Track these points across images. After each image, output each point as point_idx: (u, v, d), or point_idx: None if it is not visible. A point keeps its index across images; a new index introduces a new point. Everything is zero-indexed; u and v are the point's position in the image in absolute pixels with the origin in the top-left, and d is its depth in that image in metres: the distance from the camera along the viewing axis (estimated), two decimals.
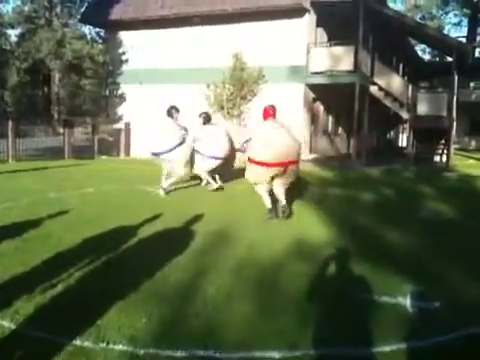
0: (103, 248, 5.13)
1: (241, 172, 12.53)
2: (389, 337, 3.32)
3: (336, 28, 18.21)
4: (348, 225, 6.82)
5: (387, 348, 3.19)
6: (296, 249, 5.45)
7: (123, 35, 21.08)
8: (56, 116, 32.93)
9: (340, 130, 22.51)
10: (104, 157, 18.52)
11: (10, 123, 15.53)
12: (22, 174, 11.91)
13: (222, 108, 18.62)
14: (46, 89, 35.34)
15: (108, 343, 3.14)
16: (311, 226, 6.61)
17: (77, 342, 3.14)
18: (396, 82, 17.93)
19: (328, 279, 4.62)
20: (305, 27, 17.63)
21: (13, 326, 3.35)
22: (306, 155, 17.57)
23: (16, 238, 5.59)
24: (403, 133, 31.24)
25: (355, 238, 6.06)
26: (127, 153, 20.00)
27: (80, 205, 7.67)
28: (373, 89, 17.58)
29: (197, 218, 6.83)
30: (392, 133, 32.50)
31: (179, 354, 3.05)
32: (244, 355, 3.08)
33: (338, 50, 17.64)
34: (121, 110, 21.25)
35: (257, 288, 4.21)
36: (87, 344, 3.13)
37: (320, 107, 19.88)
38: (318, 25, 18.17)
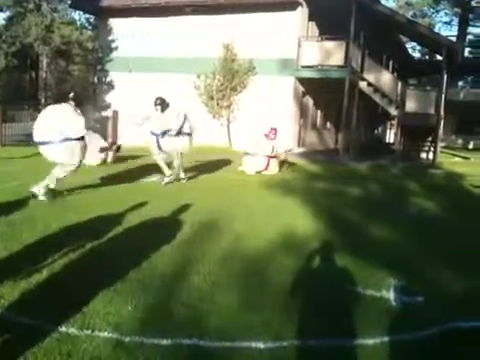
0: (89, 235, 5.11)
1: (228, 163, 12.61)
2: (373, 330, 3.36)
3: (328, 23, 18.20)
4: (334, 219, 6.87)
5: (370, 341, 3.23)
6: (282, 241, 5.48)
7: (113, 22, 20.88)
8: (43, 101, 32.57)
9: (328, 124, 22.57)
10: None
11: None
12: (8, 159, 11.80)
13: (212, 98, 18.58)
14: (33, 74, 34.90)
15: (93, 330, 3.14)
16: (298, 219, 6.64)
17: (62, 328, 3.13)
18: (386, 78, 17.99)
19: (313, 271, 4.65)
20: (297, 20, 17.61)
21: None
22: (295, 148, 17.63)
23: (1, 223, 5.55)
24: (391, 129, 31.45)
25: (341, 232, 6.11)
26: (114, 141, 19.86)
27: (67, 192, 7.61)
28: (362, 85, 17.62)
29: (184, 208, 6.82)
30: (380, 129, 32.69)
31: (164, 342, 3.05)
32: (229, 345, 3.10)
33: (329, 45, 17.65)
34: (109, 98, 21.09)
35: (243, 279, 4.23)
36: (72, 331, 3.12)
37: (309, 101, 19.90)
38: (310, 19, 18.15)
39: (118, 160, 11.94)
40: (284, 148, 12.05)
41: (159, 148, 9.41)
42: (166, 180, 9.28)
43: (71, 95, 7.51)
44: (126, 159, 12.39)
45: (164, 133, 9.29)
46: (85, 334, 3.09)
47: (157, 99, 9.41)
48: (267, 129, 11.94)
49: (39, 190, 7.04)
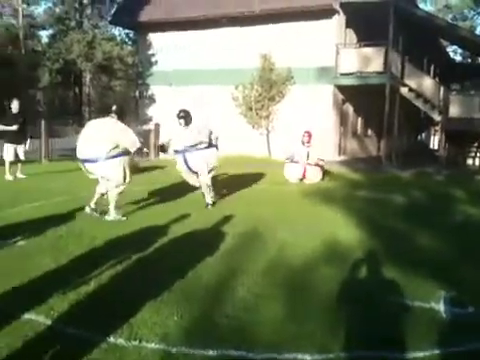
0: (134, 247, 5.19)
1: (268, 173, 12.60)
2: (422, 342, 3.26)
3: (366, 29, 18.05)
4: (378, 228, 6.75)
5: (420, 353, 3.14)
6: (326, 251, 5.42)
7: (152, 37, 21.31)
8: (87, 116, 33.48)
9: (370, 132, 22.28)
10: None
11: (43, 123, 15.86)
12: (55, 174, 12.16)
13: (250, 109, 18.65)
14: (77, 89, 35.94)
15: (141, 341, 3.18)
16: (340, 228, 6.56)
17: (110, 339, 3.18)
18: (427, 83, 17.64)
19: (359, 282, 4.57)
20: (334, 28, 17.52)
21: (48, 322, 3.42)
22: (335, 157, 17.48)
23: (49, 236, 5.72)
24: (435, 135, 30.72)
25: (385, 241, 5.99)
26: (156, 154, 20.17)
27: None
28: (403, 90, 17.34)
29: (226, 219, 6.85)
30: (423, 135, 32.01)
31: (211, 353, 3.06)
32: (275, 356, 3.08)
33: (368, 51, 17.48)
34: (150, 111, 21.47)
35: (287, 289, 4.20)
36: (120, 341, 3.17)
37: (349, 108, 19.72)
38: (347, 26, 18.04)
39: (161, 174, 12.11)
40: (317, 157, 11.80)
41: (188, 168, 8.18)
42: (209, 202, 8.16)
43: (114, 108, 7.22)
44: (162, 168, 12.56)
45: (191, 147, 7.99)
46: (133, 345, 3.13)
47: (180, 112, 8.17)
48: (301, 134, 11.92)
49: (110, 215, 6.83)
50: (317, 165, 11.73)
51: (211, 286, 4.23)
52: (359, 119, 20.98)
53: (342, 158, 18.07)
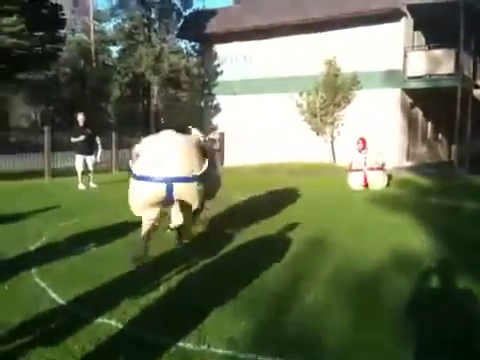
0: (200, 254, 5.28)
1: (333, 180, 12.41)
2: None
3: (435, 30, 17.45)
4: (451, 236, 6.48)
5: None
6: (394, 259, 5.27)
7: (217, 47, 21.69)
8: (154, 128, 34.45)
9: (440, 136, 21.48)
10: None
11: (113, 135, 16.50)
12: (124, 183, 12.55)
13: (315, 116, 18.51)
14: (145, 102, 37.06)
15: (209, 346, 3.22)
16: (411, 236, 6.35)
17: (180, 344, 3.25)
18: None
19: (430, 291, 4.42)
20: (401, 31, 17.10)
21: (120, 326, 3.54)
22: (402, 163, 16.99)
23: (118, 243, 5.93)
24: None
25: (459, 250, 5.73)
26: (221, 162, 20.43)
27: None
28: (476, 93, 16.61)
29: (291, 225, 6.80)
30: None
31: None
32: None
33: (437, 53, 16.90)
34: (216, 120, 21.82)
35: (355, 298, 4.13)
36: (189, 346, 3.23)
37: (418, 112, 19.12)
38: (415, 28, 17.55)
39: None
40: (375, 160, 11.52)
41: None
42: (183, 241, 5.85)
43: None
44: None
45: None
46: (201, 349, 3.19)
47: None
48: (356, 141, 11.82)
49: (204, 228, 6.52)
50: (379, 169, 11.46)
51: (277, 293, 4.22)
52: (428, 123, 20.29)
53: (410, 164, 17.52)
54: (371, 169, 11.38)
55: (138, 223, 6.99)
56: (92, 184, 11.75)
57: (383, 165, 11.73)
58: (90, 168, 11.77)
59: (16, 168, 14.23)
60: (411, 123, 18.42)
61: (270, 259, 5.10)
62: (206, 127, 21.81)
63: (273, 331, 3.50)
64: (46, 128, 14.61)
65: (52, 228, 6.67)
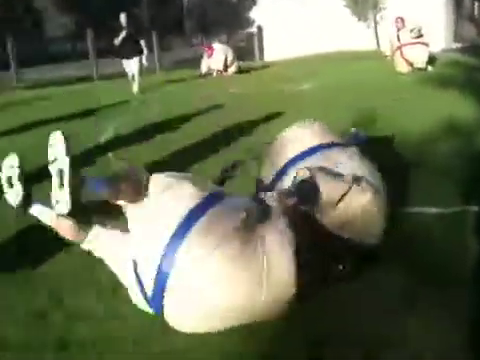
0: None
1: (370, 68, 11.89)
2: None
3: None
4: None
5: None
6: (444, 128, 5.42)
7: None
8: (188, 28, 33.79)
9: None
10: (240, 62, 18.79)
11: (154, 37, 16.48)
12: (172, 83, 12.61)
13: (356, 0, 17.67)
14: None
15: None
16: (461, 108, 6.35)
17: None
18: None
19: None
20: None
21: None
22: (450, 44, 16.33)
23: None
24: None
25: None
26: (261, 58, 20.06)
27: None
28: None
29: (339, 105, 6.84)
30: None
31: None
32: None
33: None
34: (252, 14, 21.26)
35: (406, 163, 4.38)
36: None
37: None
38: None
39: None
40: (414, 34, 10.96)
41: None
42: None
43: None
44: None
45: None
46: None
47: None
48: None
49: None
50: (419, 43, 10.95)
51: None
52: (476, 2, 19.13)
53: (458, 45, 16.85)
54: (411, 44, 10.95)
55: None
56: (135, 88, 10.61)
57: (421, 36, 11.07)
58: (135, 72, 10.61)
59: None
60: (458, 2, 17.46)
61: None
62: (243, 22, 21.36)
63: None
64: (89, 31, 14.69)
65: None
